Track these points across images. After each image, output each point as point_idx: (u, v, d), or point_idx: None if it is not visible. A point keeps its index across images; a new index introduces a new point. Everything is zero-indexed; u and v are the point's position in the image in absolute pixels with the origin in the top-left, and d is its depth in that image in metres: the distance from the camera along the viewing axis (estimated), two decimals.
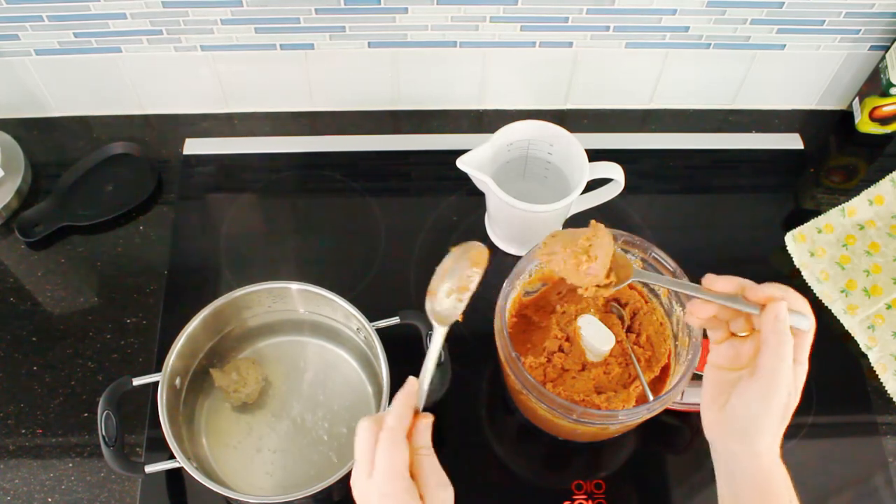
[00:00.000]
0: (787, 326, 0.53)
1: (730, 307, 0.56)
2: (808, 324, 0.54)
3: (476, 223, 0.93)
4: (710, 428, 0.57)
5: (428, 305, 0.59)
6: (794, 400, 0.54)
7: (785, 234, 0.92)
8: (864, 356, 0.85)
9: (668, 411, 0.73)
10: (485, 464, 0.78)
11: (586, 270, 0.61)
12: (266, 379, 0.80)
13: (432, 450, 0.53)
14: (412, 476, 0.52)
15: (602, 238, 0.62)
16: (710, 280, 0.57)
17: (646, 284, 0.78)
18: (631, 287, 0.78)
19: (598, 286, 0.63)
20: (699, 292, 0.57)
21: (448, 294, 0.59)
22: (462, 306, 0.58)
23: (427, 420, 0.54)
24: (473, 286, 0.58)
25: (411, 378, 0.55)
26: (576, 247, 0.61)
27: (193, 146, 0.99)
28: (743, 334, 0.57)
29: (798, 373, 0.54)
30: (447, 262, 0.59)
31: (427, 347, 0.56)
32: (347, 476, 0.68)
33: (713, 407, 0.56)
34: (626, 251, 0.76)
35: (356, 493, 0.53)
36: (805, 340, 0.54)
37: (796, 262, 0.90)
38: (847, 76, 1.00)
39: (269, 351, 0.83)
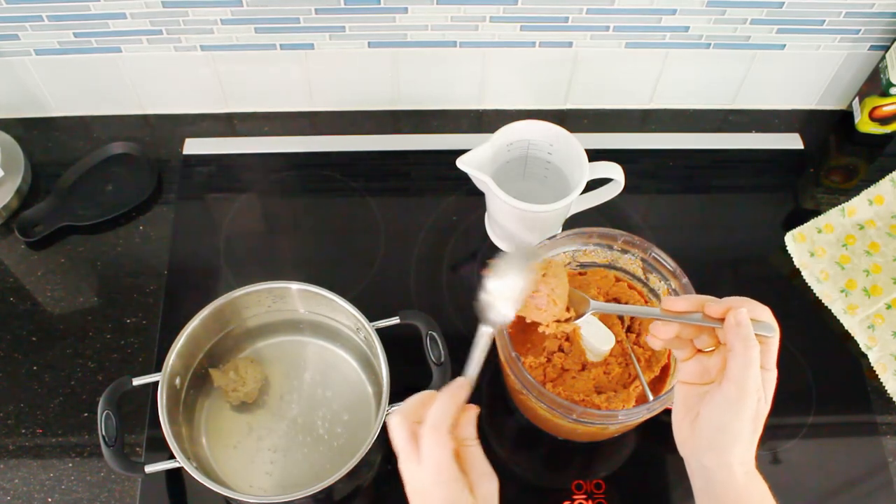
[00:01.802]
0: (751, 331, 0.53)
1: (692, 325, 0.56)
2: (773, 330, 0.54)
3: (476, 223, 0.93)
4: (683, 444, 0.57)
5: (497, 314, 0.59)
6: (765, 407, 0.54)
7: (785, 234, 0.92)
8: (864, 356, 0.85)
9: (668, 411, 0.72)
10: None
11: (537, 304, 0.62)
12: (266, 378, 0.80)
13: (477, 441, 0.54)
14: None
15: (557, 271, 0.63)
16: (669, 301, 0.57)
17: (645, 284, 0.78)
18: (630, 287, 0.79)
19: (558, 321, 0.64)
20: (660, 315, 0.57)
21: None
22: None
23: (472, 412, 0.54)
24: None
25: (460, 378, 0.55)
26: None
27: (193, 146, 0.99)
28: (709, 349, 0.57)
29: (767, 379, 0.54)
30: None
31: (475, 344, 0.58)
32: (347, 476, 0.68)
33: (685, 422, 0.56)
34: (626, 251, 0.76)
35: (407, 477, 0.53)
36: (771, 347, 0.54)
37: (796, 262, 0.90)
38: (847, 76, 1.00)
39: (269, 351, 0.83)
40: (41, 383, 0.82)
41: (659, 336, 0.57)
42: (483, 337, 0.58)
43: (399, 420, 0.53)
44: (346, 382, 0.81)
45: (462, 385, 0.54)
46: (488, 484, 0.53)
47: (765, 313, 0.55)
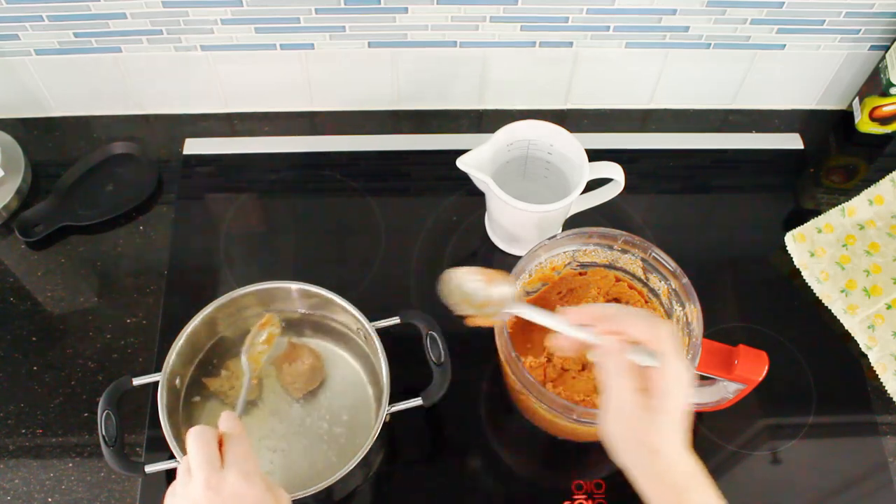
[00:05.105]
0: (612, 365, 0.55)
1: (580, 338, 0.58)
2: (652, 359, 0.55)
3: (476, 223, 0.93)
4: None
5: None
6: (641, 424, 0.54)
7: (785, 234, 0.92)
8: (864, 356, 0.85)
9: None
10: (485, 464, 0.78)
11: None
12: (260, 375, 0.80)
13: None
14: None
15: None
16: (570, 313, 0.58)
17: (645, 284, 0.78)
18: (630, 287, 0.79)
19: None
20: (561, 327, 0.59)
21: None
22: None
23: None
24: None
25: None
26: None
27: (193, 146, 0.99)
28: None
29: (650, 407, 0.54)
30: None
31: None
32: (347, 476, 0.68)
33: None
34: (626, 251, 0.76)
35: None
36: (655, 372, 0.55)
37: (796, 262, 0.90)
38: (847, 76, 1.00)
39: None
40: (41, 383, 0.82)
41: (556, 349, 0.60)
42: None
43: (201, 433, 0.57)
44: (346, 382, 0.81)
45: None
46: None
47: (658, 343, 0.55)
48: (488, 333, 0.72)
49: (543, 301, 0.80)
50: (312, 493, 0.67)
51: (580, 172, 0.80)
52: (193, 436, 0.56)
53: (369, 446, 0.69)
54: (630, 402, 0.54)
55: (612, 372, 0.55)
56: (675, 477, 0.54)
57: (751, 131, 1.04)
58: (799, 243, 0.91)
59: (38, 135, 1.00)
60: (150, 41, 0.91)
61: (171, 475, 0.75)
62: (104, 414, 0.70)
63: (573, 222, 0.89)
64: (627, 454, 0.55)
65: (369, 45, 0.93)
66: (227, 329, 0.80)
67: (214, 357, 0.80)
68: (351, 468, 0.68)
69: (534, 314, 0.61)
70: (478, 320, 0.64)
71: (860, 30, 0.93)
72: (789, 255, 0.91)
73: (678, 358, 0.55)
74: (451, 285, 0.63)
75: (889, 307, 0.87)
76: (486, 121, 1.03)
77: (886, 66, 0.93)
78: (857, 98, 1.01)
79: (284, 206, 0.96)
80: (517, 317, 0.78)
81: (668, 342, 0.55)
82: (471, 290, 0.63)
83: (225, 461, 0.56)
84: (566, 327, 0.58)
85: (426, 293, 0.88)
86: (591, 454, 0.80)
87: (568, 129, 0.83)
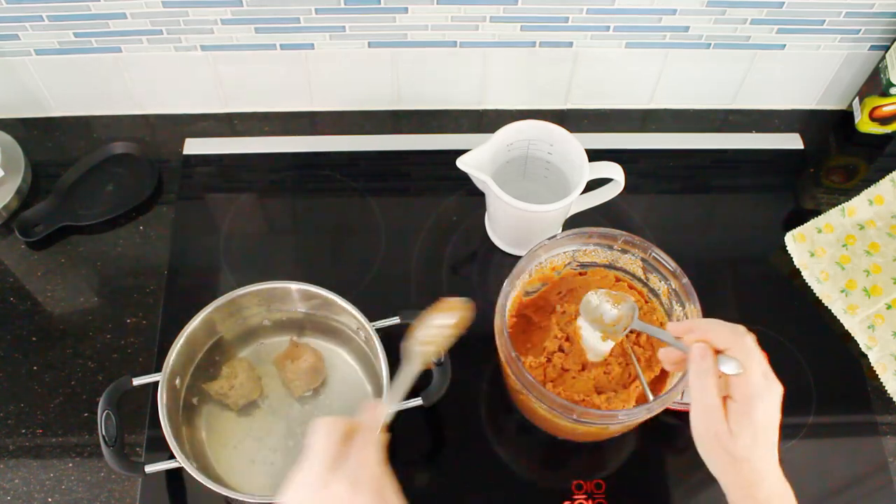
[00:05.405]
0: (696, 367, 0.57)
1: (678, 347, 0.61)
2: (736, 369, 0.56)
3: (476, 223, 0.93)
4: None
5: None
6: (725, 433, 0.56)
7: (785, 234, 0.92)
8: (864, 356, 0.85)
9: (668, 411, 0.73)
10: (485, 464, 0.78)
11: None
12: (258, 373, 0.80)
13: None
14: None
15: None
16: (672, 326, 0.62)
17: (645, 284, 0.78)
18: (630, 287, 0.79)
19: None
20: (665, 339, 0.63)
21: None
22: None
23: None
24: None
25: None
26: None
27: (193, 146, 0.99)
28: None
29: (732, 410, 0.57)
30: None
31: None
32: None
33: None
34: (626, 251, 0.76)
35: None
36: (740, 379, 0.56)
37: (796, 262, 0.90)
38: (847, 76, 1.00)
39: (268, 351, 0.83)
40: (41, 383, 0.82)
41: (664, 361, 0.64)
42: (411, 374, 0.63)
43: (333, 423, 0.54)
44: (346, 382, 0.81)
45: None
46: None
47: (739, 351, 0.57)
48: (488, 333, 0.72)
49: (543, 301, 0.80)
50: None
51: (580, 172, 0.80)
52: (318, 427, 0.53)
53: None
54: (714, 403, 0.56)
55: (697, 372, 0.57)
56: (767, 492, 0.56)
57: (751, 131, 1.04)
58: (799, 243, 0.91)
59: (38, 135, 1.00)
60: (150, 41, 0.91)
61: (171, 475, 0.76)
62: (104, 414, 0.70)
63: (573, 222, 0.89)
64: (712, 460, 0.57)
65: (369, 45, 0.93)
66: (226, 329, 0.80)
67: (215, 357, 0.80)
68: None
69: (649, 329, 0.67)
70: (609, 338, 0.70)
71: (860, 30, 0.93)
72: (789, 255, 0.91)
73: (763, 367, 0.57)
74: (587, 307, 0.70)
75: (889, 307, 0.87)
76: (486, 121, 1.03)
77: (886, 66, 0.93)
78: (857, 98, 1.01)
79: (284, 206, 0.96)
80: (517, 317, 0.78)
81: (752, 351, 0.57)
82: (602, 310, 0.70)
83: (343, 460, 0.51)
84: (671, 340, 0.61)
85: (426, 293, 0.88)
86: (591, 454, 0.80)
87: (568, 129, 0.83)
